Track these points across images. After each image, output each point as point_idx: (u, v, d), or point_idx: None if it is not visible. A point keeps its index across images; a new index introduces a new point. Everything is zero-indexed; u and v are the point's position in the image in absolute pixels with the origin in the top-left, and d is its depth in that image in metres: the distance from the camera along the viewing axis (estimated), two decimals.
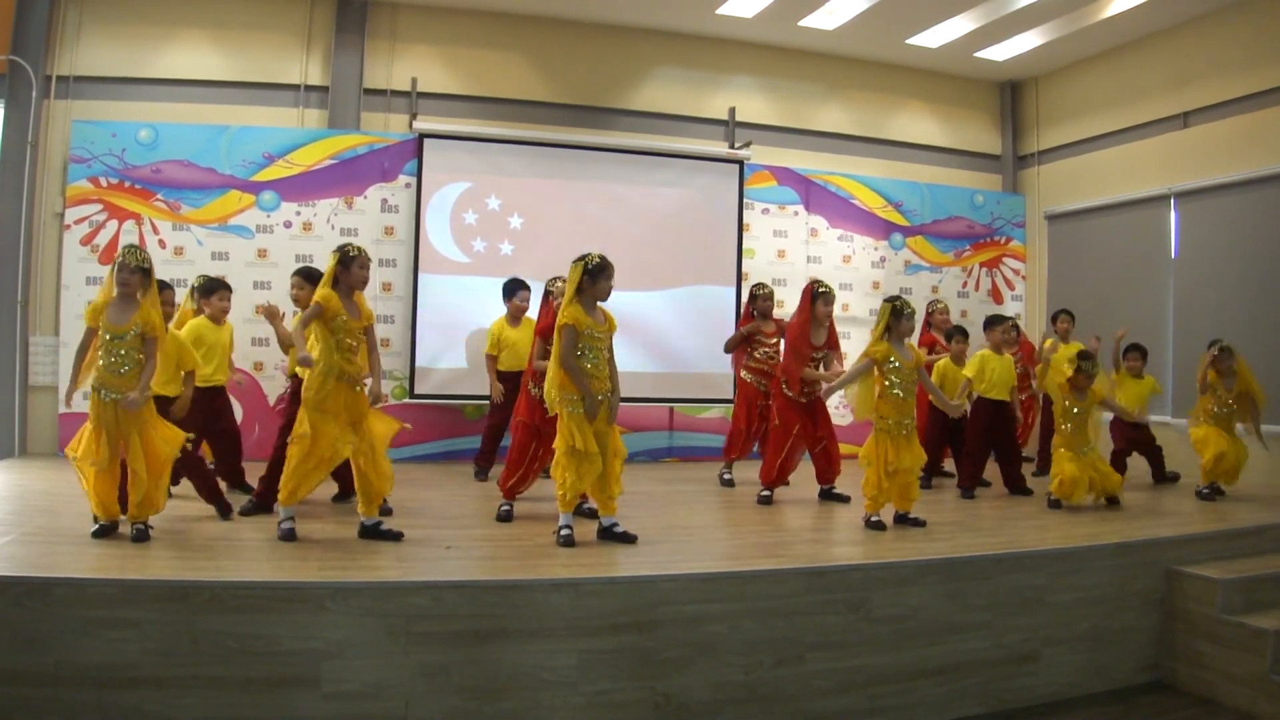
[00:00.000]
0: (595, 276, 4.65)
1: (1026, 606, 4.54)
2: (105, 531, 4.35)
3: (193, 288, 6.05)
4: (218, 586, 3.57)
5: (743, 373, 6.81)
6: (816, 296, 6.09)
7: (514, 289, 6.99)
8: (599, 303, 4.73)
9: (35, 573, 3.64)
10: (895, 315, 5.32)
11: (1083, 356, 6.28)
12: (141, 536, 4.31)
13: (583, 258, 4.69)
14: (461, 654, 3.66)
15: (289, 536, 4.45)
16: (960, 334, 7.16)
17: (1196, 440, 6.65)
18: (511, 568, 4.26)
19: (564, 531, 4.58)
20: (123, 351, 4.33)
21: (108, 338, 4.33)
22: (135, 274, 4.39)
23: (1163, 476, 7.35)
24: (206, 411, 5.52)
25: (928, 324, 7.87)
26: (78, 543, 4.20)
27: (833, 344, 6.21)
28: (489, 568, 4.26)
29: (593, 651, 3.78)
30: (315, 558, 4.14)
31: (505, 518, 5.28)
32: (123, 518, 4.44)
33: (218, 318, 5.85)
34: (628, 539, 4.63)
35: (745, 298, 7.10)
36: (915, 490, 5.33)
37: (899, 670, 4.23)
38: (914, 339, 5.65)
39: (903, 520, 5.30)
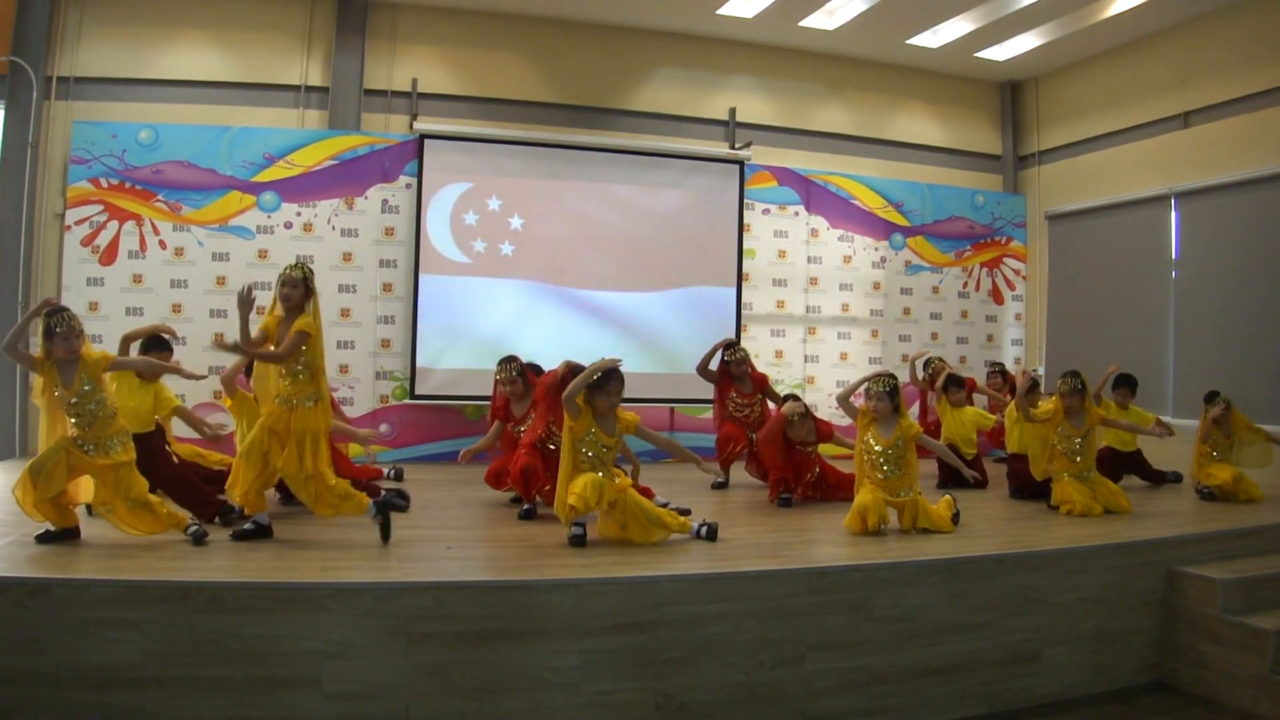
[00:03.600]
0: (594, 392, 4.60)
1: (1028, 607, 4.53)
2: (53, 537, 4.17)
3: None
4: (218, 587, 3.56)
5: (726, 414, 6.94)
6: (790, 423, 6.07)
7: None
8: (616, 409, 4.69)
9: (36, 573, 3.64)
10: (866, 394, 5.29)
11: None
12: (200, 538, 4.30)
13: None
14: (463, 654, 3.65)
15: (243, 536, 4.46)
16: (955, 384, 7.23)
17: (1203, 477, 6.56)
18: (513, 568, 4.26)
19: (575, 530, 4.56)
20: (90, 406, 4.20)
21: (72, 401, 4.18)
22: (80, 338, 4.24)
23: (1160, 479, 7.32)
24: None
25: (931, 383, 7.71)
26: (78, 544, 4.20)
27: (824, 436, 6.30)
28: (490, 568, 4.26)
29: (594, 652, 3.77)
30: (316, 558, 4.14)
31: (528, 515, 5.38)
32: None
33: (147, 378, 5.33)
34: (712, 534, 4.70)
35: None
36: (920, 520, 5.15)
37: (900, 671, 4.23)
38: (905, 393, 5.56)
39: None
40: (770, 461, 6.14)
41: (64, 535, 4.23)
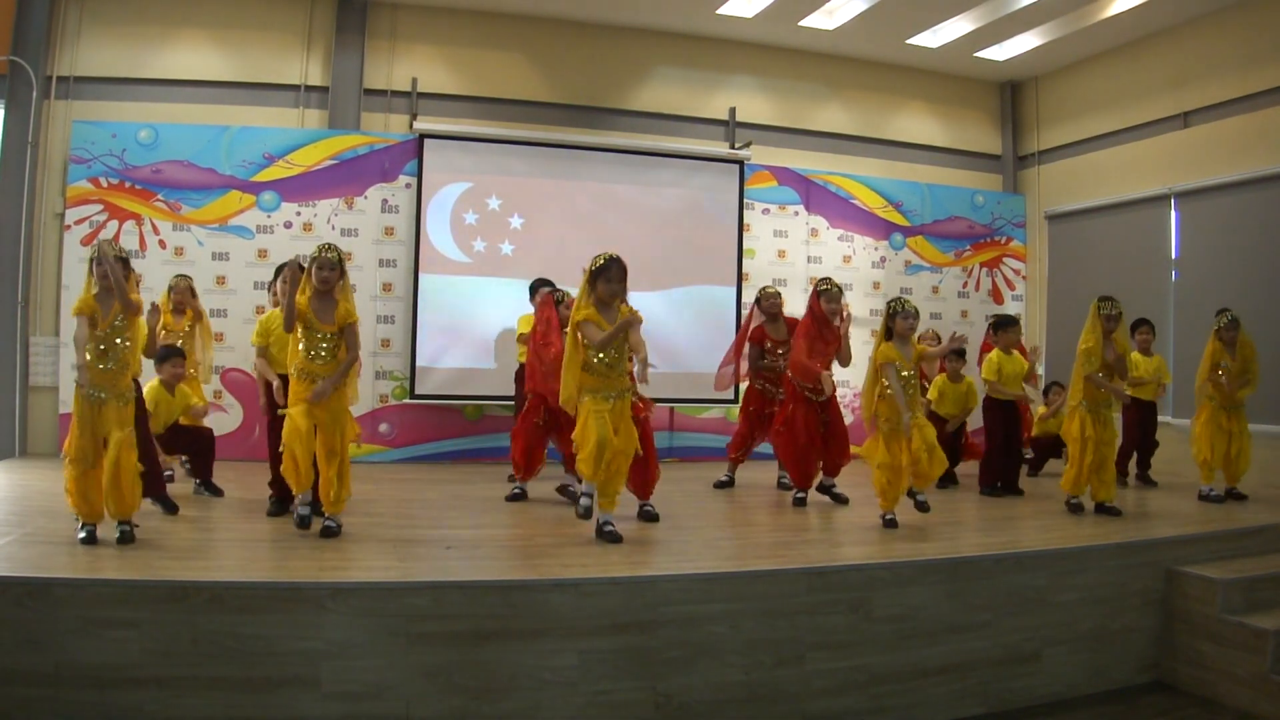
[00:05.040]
0: (595, 279, 4.67)
1: (1027, 606, 4.54)
2: (94, 537, 4.23)
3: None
4: (218, 586, 3.57)
5: (755, 382, 6.80)
6: (820, 294, 6.12)
7: (538, 287, 6.82)
8: (619, 299, 4.72)
9: (35, 573, 3.64)
10: (891, 315, 5.41)
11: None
12: (127, 538, 4.26)
13: (593, 260, 4.73)
14: (462, 654, 3.65)
15: (304, 524, 4.60)
16: (956, 355, 7.22)
17: (1195, 433, 6.58)
18: (512, 568, 4.26)
19: (583, 501, 4.69)
20: (108, 345, 4.28)
21: (101, 332, 4.27)
22: (118, 265, 4.33)
23: (1146, 471, 7.34)
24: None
25: None
26: (78, 543, 4.19)
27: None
28: (489, 568, 4.26)
29: (593, 651, 3.78)
30: (315, 558, 4.14)
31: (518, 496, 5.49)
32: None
33: (170, 385, 5.76)
34: (613, 538, 4.61)
35: (750, 302, 7.09)
36: (937, 470, 5.30)
37: (900, 670, 4.23)
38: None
39: (909, 494, 5.32)
40: (794, 366, 6.08)
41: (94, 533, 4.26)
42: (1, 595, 3.45)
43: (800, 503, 6.02)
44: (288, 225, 7.86)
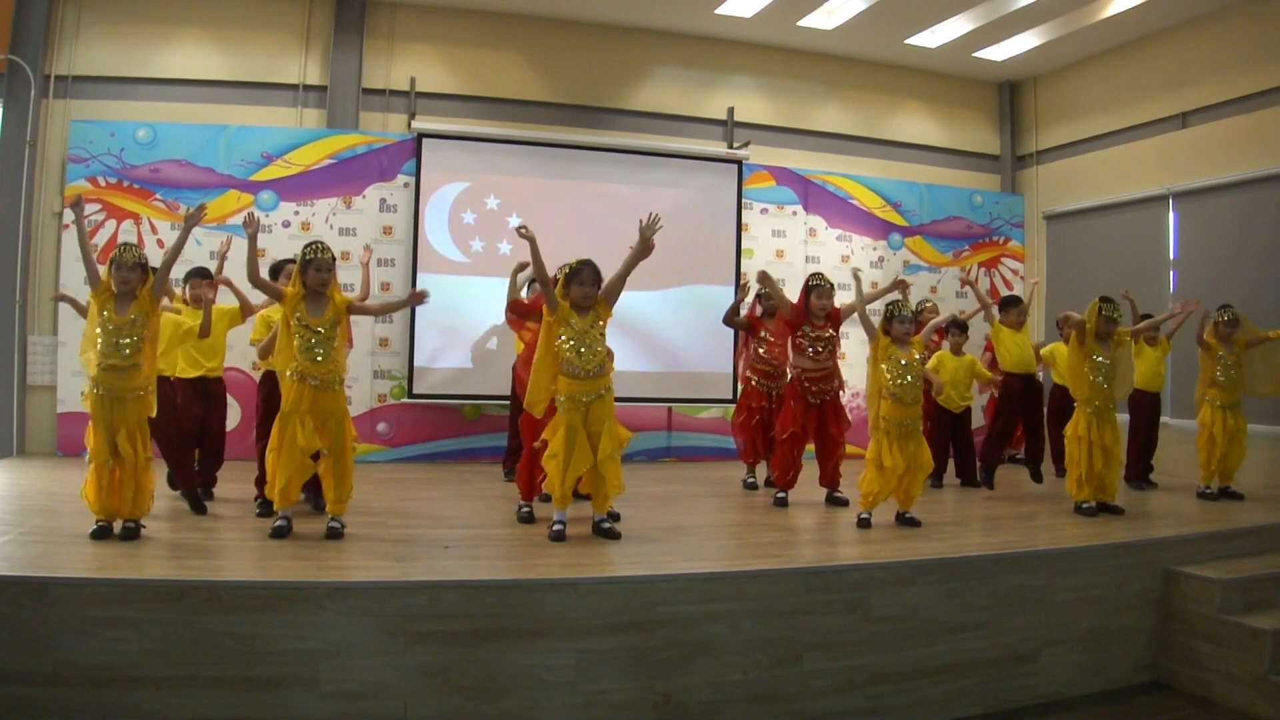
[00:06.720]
0: (569, 283, 4.78)
1: (1025, 606, 4.54)
2: (103, 533, 4.27)
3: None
4: (216, 586, 3.57)
5: (747, 373, 6.80)
6: (811, 290, 6.12)
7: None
8: (591, 300, 4.80)
9: (33, 572, 3.63)
10: (888, 318, 5.43)
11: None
12: (131, 534, 4.30)
13: (568, 265, 4.84)
14: (460, 654, 3.66)
15: (280, 534, 4.50)
16: (957, 328, 7.24)
17: (1201, 424, 6.68)
18: (510, 567, 4.27)
19: (555, 527, 4.65)
20: (123, 341, 4.30)
21: (110, 328, 4.30)
22: (134, 271, 4.38)
23: (1145, 471, 7.35)
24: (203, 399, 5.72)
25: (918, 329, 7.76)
26: (76, 542, 4.19)
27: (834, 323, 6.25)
28: (487, 567, 4.26)
29: (591, 651, 3.78)
30: (314, 558, 4.14)
31: (527, 519, 5.18)
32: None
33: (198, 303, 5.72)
34: (612, 535, 4.68)
35: (751, 299, 7.12)
36: (917, 489, 5.34)
37: (897, 670, 4.23)
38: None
39: (900, 519, 5.31)
40: (778, 335, 6.10)
41: (107, 532, 4.28)
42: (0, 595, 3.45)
43: (781, 503, 6.00)
44: (286, 225, 7.86)
